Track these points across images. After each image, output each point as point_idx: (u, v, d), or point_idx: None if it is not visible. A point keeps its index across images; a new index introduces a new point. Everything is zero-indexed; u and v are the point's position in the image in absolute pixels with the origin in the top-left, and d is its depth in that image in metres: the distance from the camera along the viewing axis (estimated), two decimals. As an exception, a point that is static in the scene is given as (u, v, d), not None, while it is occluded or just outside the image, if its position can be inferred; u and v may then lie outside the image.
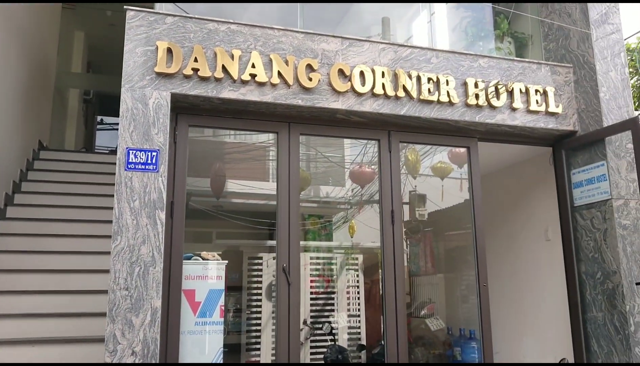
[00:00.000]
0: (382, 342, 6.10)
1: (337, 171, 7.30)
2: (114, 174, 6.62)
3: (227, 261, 3.98)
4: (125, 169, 3.53)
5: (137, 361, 3.31)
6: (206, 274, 3.86)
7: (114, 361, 3.28)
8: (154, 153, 3.60)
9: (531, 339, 5.56)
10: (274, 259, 7.61)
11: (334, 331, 5.79)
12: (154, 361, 3.35)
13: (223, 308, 3.85)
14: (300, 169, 7.33)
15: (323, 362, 5.46)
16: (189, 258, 3.87)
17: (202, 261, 3.90)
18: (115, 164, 7.16)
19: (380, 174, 4.35)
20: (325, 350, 5.70)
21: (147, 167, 3.56)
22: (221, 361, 3.77)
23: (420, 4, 5.29)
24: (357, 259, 7.76)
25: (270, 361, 6.52)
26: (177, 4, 4.24)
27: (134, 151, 3.56)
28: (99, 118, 12.60)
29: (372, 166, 7.47)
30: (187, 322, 3.73)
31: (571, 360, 4.59)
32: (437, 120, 4.41)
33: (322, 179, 7.18)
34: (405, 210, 6.24)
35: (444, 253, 7.26)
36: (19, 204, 5.84)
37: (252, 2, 4.74)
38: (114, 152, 11.39)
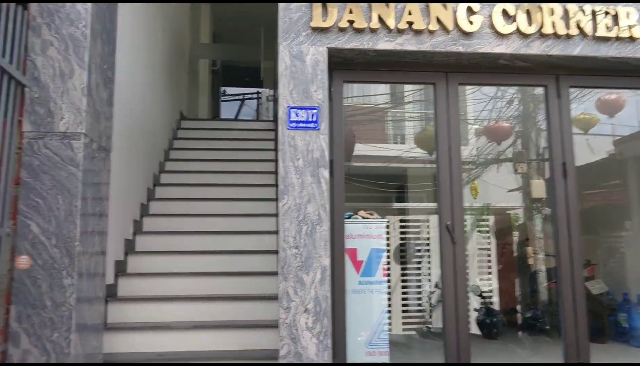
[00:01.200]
0: (520, 306, 5.77)
1: (462, 128, 6.91)
2: (245, 140, 6.84)
3: (387, 220, 3.87)
4: (288, 128, 3.50)
5: (310, 318, 3.34)
6: (367, 233, 3.78)
7: (288, 318, 3.33)
8: (314, 111, 3.53)
9: None
10: (400, 221, 7.45)
11: (483, 293, 5.55)
12: (326, 319, 3.35)
13: (386, 267, 3.76)
14: (429, 128, 7.03)
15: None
16: (348, 217, 3.81)
17: (363, 219, 3.82)
18: (240, 130, 7.37)
19: (549, 124, 3.95)
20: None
21: (308, 125, 3.50)
22: (386, 321, 3.71)
23: None
24: (487, 221, 7.35)
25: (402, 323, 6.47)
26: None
27: (295, 110, 3.51)
28: (221, 89, 13.11)
29: (506, 122, 6.98)
30: (351, 281, 3.69)
31: None
32: (615, 59, 3.89)
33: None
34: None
35: (581, 213, 6.64)
36: (169, 171, 6.18)
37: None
38: (231, 120, 11.85)
